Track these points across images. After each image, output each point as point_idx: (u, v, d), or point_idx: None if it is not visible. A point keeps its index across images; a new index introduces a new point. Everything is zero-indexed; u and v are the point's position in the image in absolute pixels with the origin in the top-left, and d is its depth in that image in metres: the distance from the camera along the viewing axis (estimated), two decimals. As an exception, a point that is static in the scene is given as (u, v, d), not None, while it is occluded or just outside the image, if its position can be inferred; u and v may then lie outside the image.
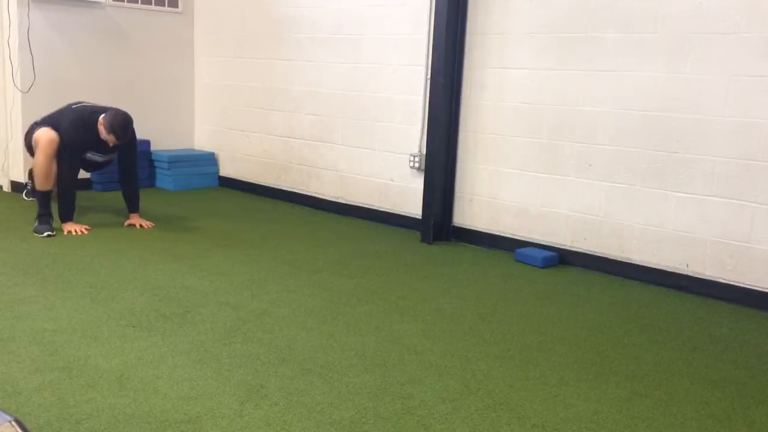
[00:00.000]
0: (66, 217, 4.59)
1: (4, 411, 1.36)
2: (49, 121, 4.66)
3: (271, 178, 6.15)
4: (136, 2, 6.17)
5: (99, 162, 4.79)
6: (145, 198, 5.91)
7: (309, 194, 5.85)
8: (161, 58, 6.41)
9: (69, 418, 2.25)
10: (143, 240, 4.50)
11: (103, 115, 4.49)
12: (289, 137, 5.95)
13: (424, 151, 4.93)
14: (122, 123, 4.47)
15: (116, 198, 5.81)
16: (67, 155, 4.52)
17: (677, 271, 3.97)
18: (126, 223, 4.83)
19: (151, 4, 6.27)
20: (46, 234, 4.43)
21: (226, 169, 6.58)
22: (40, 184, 4.53)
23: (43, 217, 4.54)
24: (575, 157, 4.30)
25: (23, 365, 2.61)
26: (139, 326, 3.05)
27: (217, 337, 2.97)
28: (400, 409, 2.42)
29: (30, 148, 4.69)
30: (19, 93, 5.58)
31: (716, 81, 3.73)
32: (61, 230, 4.55)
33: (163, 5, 6.36)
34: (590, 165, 4.24)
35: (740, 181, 3.71)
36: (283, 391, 2.51)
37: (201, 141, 6.77)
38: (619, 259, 4.19)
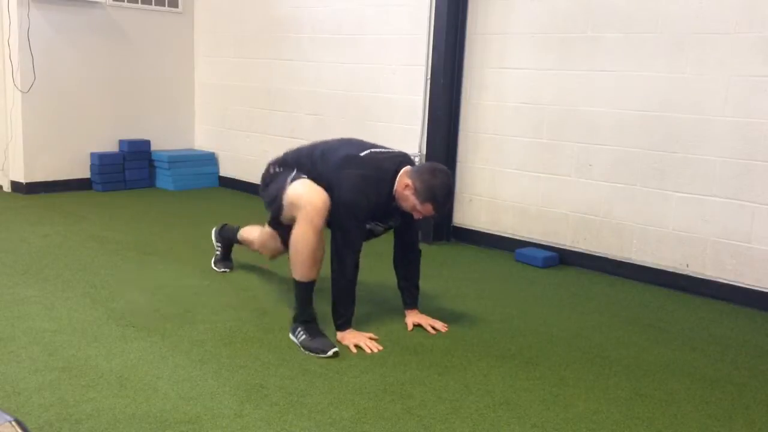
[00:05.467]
0: (346, 323, 3.00)
1: (4, 411, 1.36)
2: (308, 166, 3.05)
3: (271, 178, 6.14)
4: (136, 2, 6.17)
5: (376, 235, 3.13)
6: (146, 198, 5.92)
7: (309, 194, 5.84)
8: (161, 58, 6.41)
9: (69, 418, 2.25)
10: (143, 240, 4.50)
11: (408, 171, 2.90)
12: (289, 137, 5.94)
13: (424, 151, 4.93)
14: (448, 189, 2.88)
15: (117, 198, 5.82)
16: (350, 227, 2.92)
17: (677, 271, 3.97)
18: (410, 324, 3.19)
19: (151, 4, 6.27)
20: (331, 353, 2.82)
21: (226, 169, 6.58)
22: (303, 272, 2.94)
23: (312, 327, 2.95)
24: (575, 157, 4.30)
25: (23, 365, 2.61)
26: (139, 326, 3.05)
27: (217, 337, 2.97)
28: (400, 409, 2.42)
29: (277, 208, 3.03)
30: (19, 93, 5.58)
31: (716, 81, 3.73)
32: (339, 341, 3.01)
33: (163, 5, 6.36)
34: (590, 165, 4.24)
35: (740, 181, 3.71)
36: (283, 391, 2.51)
37: (201, 141, 6.77)
38: (619, 259, 4.19)
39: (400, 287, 3.26)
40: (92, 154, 6.02)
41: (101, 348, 2.80)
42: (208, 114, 6.66)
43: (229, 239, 3.91)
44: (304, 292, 2.97)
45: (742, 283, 3.76)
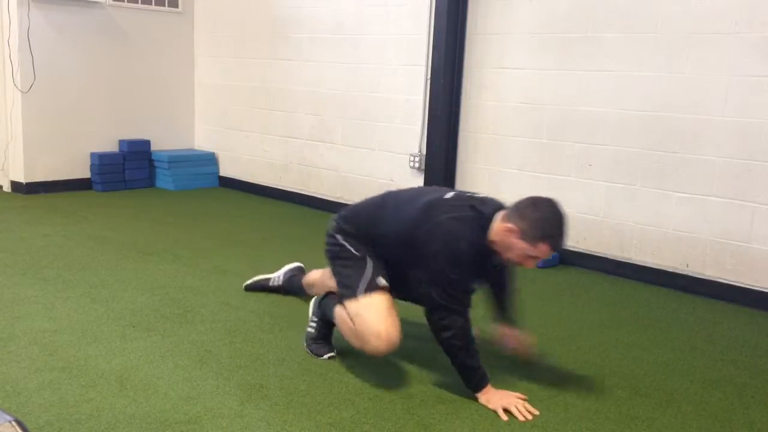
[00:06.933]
0: (482, 378, 2.50)
1: (4, 411, 1.36)
2: (378, 233, 2.62)
3: (271, 178, 6.15)
4: (136, 2, 6.17)
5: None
6: (146, 198, 5.92)
7: (309, 194, 5.85)
8: (161, 58, 6.41)
9: (69, 418, 2.25)
10: (143, 240, 4.50)
11: (504, 215, 2.43)
12: (289, 137, 5.94)
13: (424, 151, 4.93)
14: (559, 218, 2.39)
15: (117, 198, 5.82)
16: (454, 281, 2.41)
17: (677, 271, 3.97)
18: (509, 344, 2.82)
19: (151, 4, 6.27)
20: (327, 357, 2.81)
21: (226, 169, 6.58)
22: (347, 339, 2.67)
23: (327, 332, 2.85)
24: (575, 157, 4.30)
25: (23, 365, 2.61)
26: (139, 326, 3.05)
27: (217, 337, 2.97)
28: (400, 409, 2.42)
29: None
30: (19, 93, 5.58)
31: (716, 81, 3.73)
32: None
33: (163, 5, 6.36)
34: (590, 165, 4.24)
35: (740, 181, 3.71)
36: (283, 391, 2.51)
37: (201, 141, 6.77)
38: (619, 259, 4.19)
39: (497, 315, 2.82)
40: (92, 154, 6.02)
41: (101, 348, 2.80)
42: (208, 114, 6.66)
43: (296, 290, 3.37)
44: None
45: (742, 283, 3.76)
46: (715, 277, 3.84)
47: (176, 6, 6.44)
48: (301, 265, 3.56)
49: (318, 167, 5.75)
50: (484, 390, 2.47)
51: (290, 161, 5.97)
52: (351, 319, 2.56)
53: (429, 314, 2.47)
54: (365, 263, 2.60)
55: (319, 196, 5.76)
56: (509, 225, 2.36)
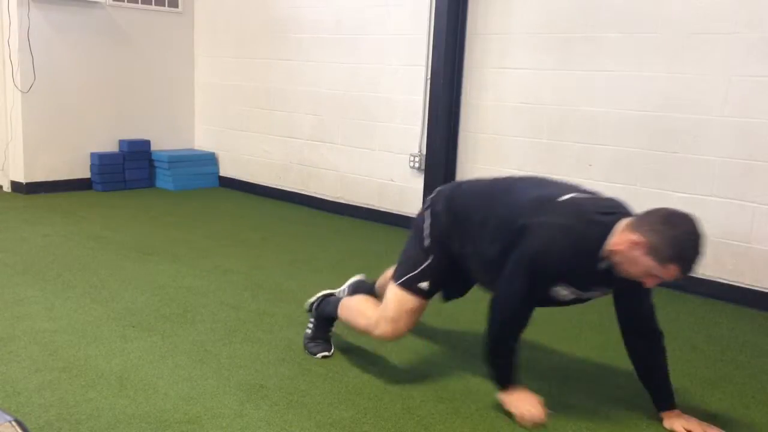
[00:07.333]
0: (506, 379, 2.45)
1: (4, 411, 1.36)
2: (477, 210, 2.46)
3: (271, 178, 6.15)
4: (136, 2, 6.17)
5: (562, 302, 2.40)
6: (146, 198, 5.92)
7: (309, 194, 5.85)
8: (161, 58, 6.41)
9: (69, 418, 2.25)
10: (143, 240, 4.50)
11: (631, 223, 2.15)
12: (289, 137, 5.94)
13: (424, 151, 4.93)
14: (696, 239, 2.08)
15: (117, 198, 5.82)
16: (521, 287, 2.28)
17: (677, 271, 3.96)
18: (680, 430, 2.38)
19: (151, 4, 6.27)
20: (320, 356, 2.82)
21: (226, 169, 6.58)
22: (347, 323, 2.74)
23: (326, 330, 2.89)
24: (575, 157, 4.30)
25: (23, 365, 2.61)
26: (139, 326, 3.05)
27: (217, 337, 2.97)
28: (400, 409, 2.42)
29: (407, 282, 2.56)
30: (19, 93, 5.58)
31: (716, 81, 3.73)
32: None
33: (163, 5, 6.36)
34: (590, 165, 4.24)
35: (740, 181, 3.71)
36: (283, 391, 2.51)
37: (201, 141, 6.77)
38: (619, 259, 4.18)
39: (644, 383, 2.48)
40: (92, 154, 6.02)
41: (101, 348, 2.80)
42: (208, 114, 6.66)
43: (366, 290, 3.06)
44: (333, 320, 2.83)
45: (742, 283, 3.76)
46: (715, 277, 3.84)
47: (176, 6, 6.44)
48: (362, 277, 3.22)
49: (318, 167, 5.75)
50: (509, 391, 2.42)
51: (290, 161, 5.97)
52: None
53: (490, 304, 2.42)
54: (424, 259, 2.54)
55: (319, 196, 5.76)
56: (635, 237, 2.09)
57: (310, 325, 2.89)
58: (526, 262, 2.23)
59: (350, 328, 2.74)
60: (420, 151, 5.00)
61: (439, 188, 2.70)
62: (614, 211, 2.24)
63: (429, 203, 2.63)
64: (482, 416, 2.40)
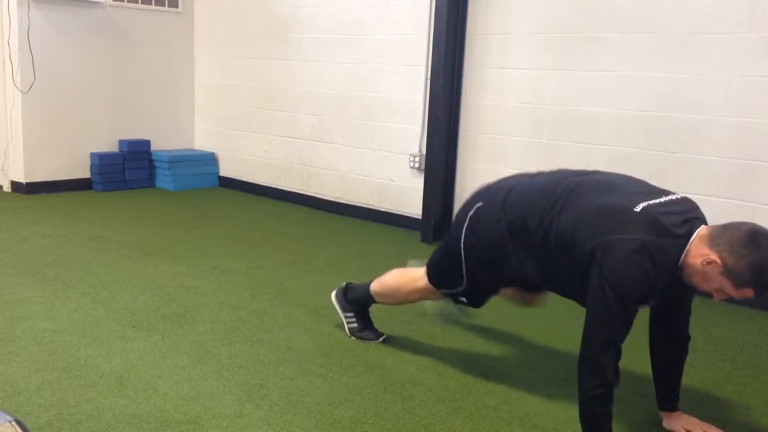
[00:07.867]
0: None
1: (4, 411, 1.36)
2: (531, 213, 2.28)
3: (271, 178, 6.15)
4: (136, 2, 6.17)
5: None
6: (146, 198, 5.92)
7: (309, 194, 5.85)
8: (161, 58, 6.41)
9: (69, 418, 2.25)
10: (143, 240, 4.50)
11: (708, 238, 2.04)
12: (289, 137, 5.95)
13: (424, 151, 4.93)
14: None
15: (117, 198, 5.82)
16: (616, 316, 2.08)
17: (677, 271, 3.97)
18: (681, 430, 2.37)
19: (151, 4, 6.27)
20: (380, 340, 2.99)
21: (226, 169, 6.58)
22: (382, 299, 2.92)
23: (365, 317, 3.02)
24: (575, 157, 4.30)
25: (23, 365, 2.61)
26: (139, 326, 3.05)
27: (217, 337, 2.97)
28: (400, 409, 2.42)
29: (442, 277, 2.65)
30: (19, 93, 5.58)
31: (716, 81, 3.73)
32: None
33: (163, 5, 6.36)
34: (590, 165, 4.24)
35: (740, 181, 3.71)
36: (283, 391, 2.51)
37: (201, 141, 6.77)
38: (619, 259, 4.18)
39: (656, 379, 2.42)
40: (92, 154, 6.02)
41: (101, 348, 2.80)
42: (208, 114, 6.66)
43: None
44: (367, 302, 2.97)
45: (742, 283, 3.75)
46: (715, 277, 3.84)
47: (176, 6, 6.44)
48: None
49: (318, 167, 5.75)
50: None
51: (290, 161, 5.97)
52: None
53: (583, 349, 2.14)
54: (459, 282, 2.53)
55: (319, 196, 5.76)
56: (712, 256, 1.98)
57: (351, 318, 3.01)
58: (608, 292, 2.03)
59: (390, 295, 2.87)
60: (420, 151, 5.00)
61: (478, 190, 2.51)
62: (690, 216, 2.11)
63: (467, 219, 2.45)
64: (482, 416, 2.40)
